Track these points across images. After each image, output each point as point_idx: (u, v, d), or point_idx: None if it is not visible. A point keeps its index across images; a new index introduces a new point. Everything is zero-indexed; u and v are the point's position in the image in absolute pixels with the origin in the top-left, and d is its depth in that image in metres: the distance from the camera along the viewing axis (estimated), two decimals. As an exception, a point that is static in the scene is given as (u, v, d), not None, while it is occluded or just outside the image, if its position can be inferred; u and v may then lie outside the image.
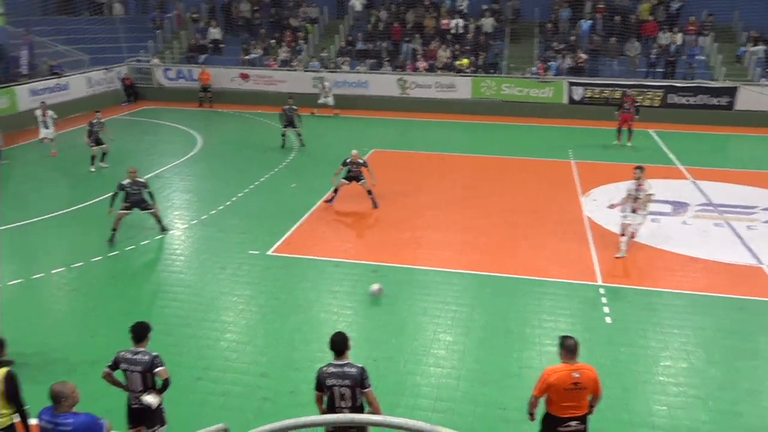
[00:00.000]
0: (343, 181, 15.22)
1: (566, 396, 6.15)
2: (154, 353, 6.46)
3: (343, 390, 6.00)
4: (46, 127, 19.39)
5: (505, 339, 9.61)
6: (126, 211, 12.96)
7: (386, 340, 9.54)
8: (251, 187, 16.59)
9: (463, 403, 8.15)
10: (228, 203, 15.32)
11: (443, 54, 27.59)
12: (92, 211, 14.90)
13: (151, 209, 13.28)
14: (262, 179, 17.26)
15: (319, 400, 6.26)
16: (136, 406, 6.48)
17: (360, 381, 6.02)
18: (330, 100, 25.67)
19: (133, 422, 6.58)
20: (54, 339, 9.61)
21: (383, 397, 6.80)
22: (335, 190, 15.27)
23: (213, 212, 14.80)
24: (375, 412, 6.09)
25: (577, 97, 25.56)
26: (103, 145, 18.16)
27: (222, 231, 13.76)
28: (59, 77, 25.25)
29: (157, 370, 6.39)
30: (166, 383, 6.46)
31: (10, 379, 6.06)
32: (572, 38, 27.49)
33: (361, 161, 15.21)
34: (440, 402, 8.16)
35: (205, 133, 22.51)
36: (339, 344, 6.18)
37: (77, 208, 15.03)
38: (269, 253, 12.61)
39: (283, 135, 20.65)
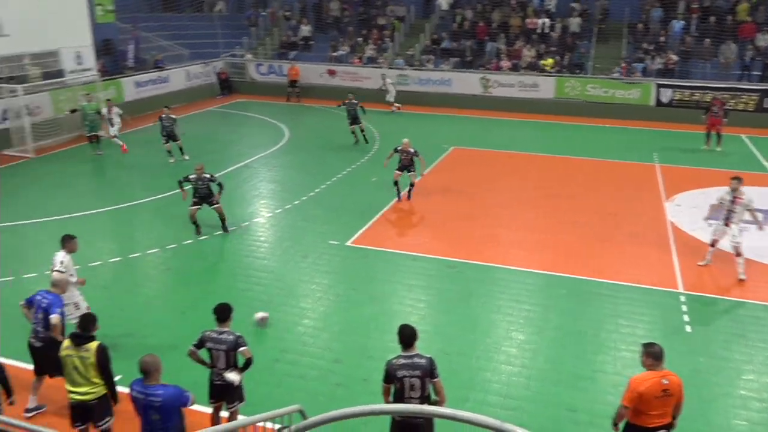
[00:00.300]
0: (396, 171, 15.36)
1: (655, 404, 5.98)
2: (238, 333, 6.84)
3: (413, 380, 6.13)
4: (112, 125, 19.32)
5: (578, 341, 9.53)
6: (196, 207, 13.21)
7: (459, 336, 9.67)
8: (334, 179, 17.06)
9: (532, 402, 8.18)
10: (311, 194, 15.84)
11: (528, 53, 27.26)
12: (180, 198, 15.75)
13: (216, 204, 13.29)
14: (344, 172, 17.72)
15: (386, 393, 6.34)
16: (218, 382, 6.87)
17: (430, 371, 6.16)
18: (391, 97, 25.84)
19: (215, 397, 6.99)
20: (146, 314, 10.31)
21: (453, 390, 6.95)
22: (396, 183, 15.36)
23: (297, 202, 15.35)
24: (441, 401, 6.25)
25: (665, 99, 24.64)
26: (177, 141, 18.51)
27: (305, 221, 14.28)
28: (161, 70, 26.75)
29: (241, 349, 6.77)
30: (248, 362, 6.84)
31: (102, 352, 6.53)
32: (662, 39, 26.48)
33: (411, 150, 15.23)
34: (509, 399, 8.22)
35: (293, 126, 23.27)
36: (409, 336, 6.29)
37: (171, 194, 15.93)
38: (348, 244, 12.99)
39: (353, 133, 20.81)
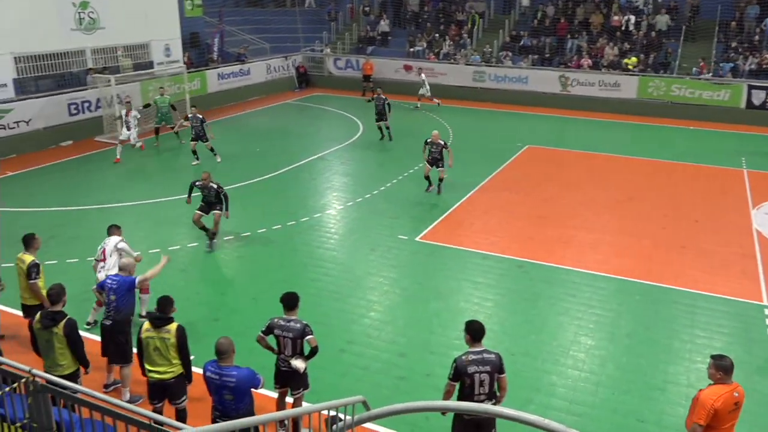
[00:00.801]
0: (426, 166, 15.46)
1: (728, 418, 5.80)
2: (305, 322, 6.99)
3: (483, 376, 6.10)
4: (128, 128, 17.91)
5: (651, 350, 9.21)
6: (201, 213, 12.56)
7: (525, 336, 9.55)
8: (405, 174, 17.12)
9: (600, 409, 7.98)
10: (382, 188, 15.97)
11: (610, 51, 26.42)
12: (261, 186, 16.24)
13: (217, 211, 12.56)
14: (415, 168, 17.73)
15: (451, 392, 6.29)
16: (284, 368, 7.04)
17: (499, 366, 6.15)
18: (426, 91, 25.51)
19: (280, 383, 7.17)
20: (219, 299, 10.71)
21: (517, 391, 6.88)
22: (426, 178, 15.54)
23: (368, 196, 15.51)
24: (501, 397, 6.26)
25: (757, 102, 23.35)
26: (206, 142, 17.73)
27: (374, 214, 14.41)
28: (243, 63, 27.58)
29: (307, 337, 6.91)
30: (314, 350, 6.98)
31: (181, 333, 6.81)
32: (756, 38, 25.04)
33: (441, 142, 15.22)
34: (576, 405, 8.05)
35: (367, 120, 23.46)
36: (478, 331, 6.27)
37: (249, 182, 16.43)
38: (417, 239, 13.02)
39: (380, 128, 20.61)
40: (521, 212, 14.60)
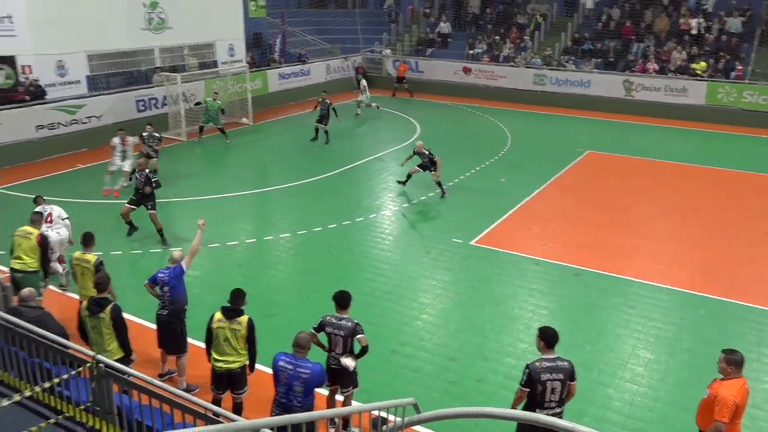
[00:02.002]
0: (416, 167, 15.57)
1: (742, 412, 5.88)
2: (356, 321, 7.02)
3: (555, 384, 6.02)
4: (123, 159, 15.56)
5: (713, 367, 8.81)
6: (131, 206, 12.34)
7: (580, 346, 9.33)
8: (462, 177, 17.01)
9: (657, 425, 7.73)
10: (438, 190, 15.90)
11: (678, 56, 25.55)
12: (317, 185, 16.43)
13: (151, 210, 12.36)
14: (473, 170, 17.62)
15: (521, 398, 6.17)
16: (335, 366, 7.08)
17: (571, 373, 6.07)
18: (366, 98, 24.77)
19: (331, 381, 7.20)
20: (275, 295, 10.87)
21: (571, 403, 6.71)
22: (409, 176, 15.67)
23: (423, 198, 15.48)
24: (566, 402, 6.16)
25: (840, 111, 22.13)
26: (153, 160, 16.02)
27: (430, 216, 14.38)
28: (304, 64, 27.99)
29: (358, 336, 6.95)
30: (364, 349, 7.01)
31: (252, 325, 6.99)
32: None
33: (425, 151, 15.34)
34: (632, 420, 7.82)
35: (424, 122, 23.45)
36: (553, 338, 6.17)
37: (304, 181, 16.65)
38: (472, 243, 12.91)
39: (316, 130, 20.42)
40: (580, 219, 14.29)
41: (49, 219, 10.62)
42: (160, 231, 12.54)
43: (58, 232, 10.51)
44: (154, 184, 12.27)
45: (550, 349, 6.17)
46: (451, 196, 15.61)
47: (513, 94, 27.01)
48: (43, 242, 9.09)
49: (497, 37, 29.93)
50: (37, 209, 10.42)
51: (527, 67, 27.40)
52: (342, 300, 7.12)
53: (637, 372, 8.78)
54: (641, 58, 26.48)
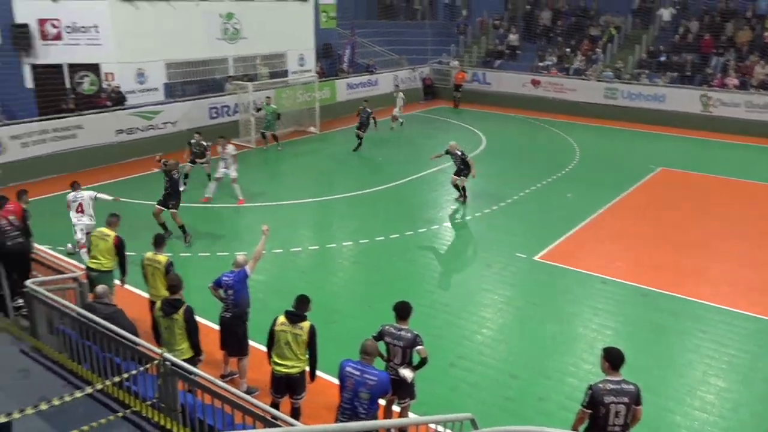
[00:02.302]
0: (453, 176, 15.61)
1: None
2: (416, 332, 6.99)
3: (619, 407, 5.80)
4: (226, 167, 15.50)
5: (792, 399, 8.36)
6: (161, 207, 12.92)
7: (647, 370, 8.97)
8: (527, 191, 16.75)
9: (727, 457, 7.37)
10: (503, 204, 15.72)
11: (760, 70, 24.40)
12: (380, 195, 16.53)
13: (173, 209, 12.94)
14: (539, 184, 17.32)
15: (582, 419, 6.00)
16: (392, 377, 7.00)
17: (636, 397, 5.85)
18: (399, 111, 24.03)
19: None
20: (336, 302, 10.95)
21: (636, 428, 6.48)
22: (456, 187, 15.72)
23: (487, 211, 15.32)
24: (630, 427, 5.94)
25: None
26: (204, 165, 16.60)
27: (493, 230, 14.21)
28: (372, 74, 28.29)
29: (417, 348, 6.91)
30: (423, 361, 6.96)
31: (314, 332, 7.06)
32: None
33: (458, 152, 15.37)
34: (700, 449, 7.49)
35: (491, 134, 23.25)
36: (619, 359, 5.96)
37: (367, 191, 16.78)
38: (535, 258, 12.68)
39: (358, 137, 20.54)
40: (650, 238, 13.81)
41: (79, 209, 11.72)
42: (182, 227, 13.08)
43: (89, 218, 11.74)
44: (169, 185, 12.85)
45: (615, 371, 5.97)
46: (515, 210, 15.40)
47: (583, 108, 26.46)
48: (120, 244, 9.43)
49: (568, 50, 29.42)
50: (70, 196, 11.76)
51: (598, 80, 26.78)
52: (402, 311, 7.10)
53: (708, 400, 8.39)
54: (720, 72, 25.46)
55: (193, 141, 16.67)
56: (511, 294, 11.37)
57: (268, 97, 21.35)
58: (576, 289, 11.51)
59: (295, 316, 7.04)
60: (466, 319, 10.35)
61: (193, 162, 16.60)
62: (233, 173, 15.44)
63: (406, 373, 6.92)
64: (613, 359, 5.96)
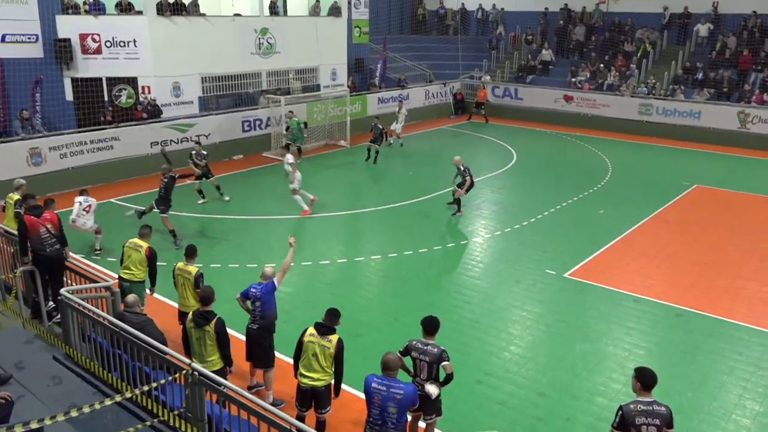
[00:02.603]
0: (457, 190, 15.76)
1: None
2: (442, 347, 6.93)
3: (650, 429, 5.68)
4: (292, 181, 15.78)
5: (833, 426, 8.07)
6: (153, 208, 13.82)
7: (680, 392, 8.77)
8: (558, 206, 16.58)
9: (763, 484, 7.14)
10: (533, 219, 15.58)
11: (803, 87, 23.87)
12: (410, 209, 16.52)
13: (163, 214, 13.57)
14: (570, 200, 17.14)
15: None
16: (419, 392, 7.02)
17: (669, 420, 5.72)
18: (399, 127, 23.29)
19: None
20: (363, 315, 10.95)
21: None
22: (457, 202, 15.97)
23: (517, 226, 15.19)
24: None
25: None
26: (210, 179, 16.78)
27: (523, 245, 14.07)
28: (403, 89, 28.42)
29: (443, 363, 6.85)
30: (449, 377, 6.89)
31: (341, 346, 7.05)
32: None
33: (461, 167, 15.60)
34: (734, 475, 7.26)
35: (522, 149, 23.12)
36: (652, 380, 5.85)
37: (397, 205, 16.79)
38: (566, 275, 12.51)
39: (368, 150, 20.79)
40: (684, 256, 13.54)
41: (88, 209, 13.09)
42: (171, 232, 13.66)
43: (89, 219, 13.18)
44: (163, 190, 13.60)
45: (646, 392, 5.84)
46: (546, 226, 15.24)
47: (616, 124, 26.17)
48: (152, 255, 9.58)
49: (602, 65, 29.17)
50: (81, 198, 13.11)
51: (632, 96, 26.47)
52: (430, 325, 7.05)
53: (743, 424, 8.15)
54: (759, 89, 24.95)
55: (193, 152, 16.75)
56: (541, 311, 11.23)
57: (290, 111, 21.59)
58: (607, 307, 11.31)
59: (324, 328, 7.06)
60: (494, 336, 10.25)
61: (206, 176, 16.61)
62: (292, 184, 15.72)
63: (432, 388, 6.87)
64: (645, 379, 5.84)
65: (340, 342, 7.03)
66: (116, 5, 20.72)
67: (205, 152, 16.84)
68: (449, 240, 14.31)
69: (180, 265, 9.01)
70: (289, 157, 16.53)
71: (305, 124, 21.41)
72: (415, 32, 34.94)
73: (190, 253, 9.07)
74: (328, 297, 11.40)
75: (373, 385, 6.17)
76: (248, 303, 8.40)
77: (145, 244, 9.61)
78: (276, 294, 8.37)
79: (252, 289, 8.37)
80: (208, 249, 13.07)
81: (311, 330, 7.10)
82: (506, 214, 16.33)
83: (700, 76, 26.56)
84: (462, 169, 15.65)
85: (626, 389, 8.23)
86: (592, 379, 9.06)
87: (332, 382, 7.17)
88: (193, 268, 8.88)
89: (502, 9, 34.11)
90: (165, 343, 6.87)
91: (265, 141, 22.22)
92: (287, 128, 21.60)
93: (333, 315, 7.16)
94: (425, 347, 6.93)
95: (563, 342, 10.15)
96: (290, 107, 21.84)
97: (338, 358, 7.06)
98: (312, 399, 7.21)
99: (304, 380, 7.12)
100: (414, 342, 7.02)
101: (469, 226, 15.52)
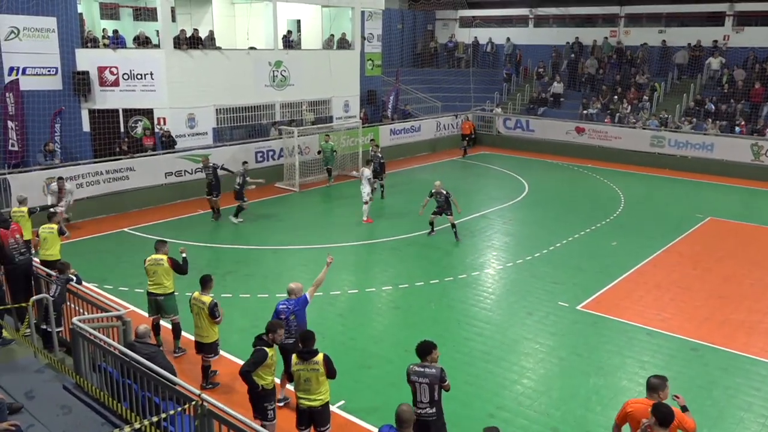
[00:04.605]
0: (432, 215, 16.17)
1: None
2: (440, 366, 7.00)
3: None
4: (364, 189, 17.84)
5: None
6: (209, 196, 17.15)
7: (698, 429, 8.58)
8: (570, 238, 16.51)
9: None
10: (545, 251, 15.51)
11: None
12: (421, 240, 16.51)
13: (216, 197, 17.23)
14: (582, 232, 17.06)
15: None
16: (419, 417, 6.91)
17: None
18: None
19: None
20: (374, 347, 10.89)
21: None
22: (431, 224, 16.46)
23: (528, 258, 15.12)
24: None
25: None
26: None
27: (534, 277, 13.98)
28: (414, 120, 28.65)
29: (444, 384, 6.96)
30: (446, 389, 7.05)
31: (329, 361, 7.23)
32: None
33: (444, 192, 15.86)
34: None
35: (534, 181, 23.13)
36: (669, 417, 5.80)
37: (408, 236, 16.79)
38: (578, 307, 12.40)
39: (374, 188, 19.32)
40: (698, 289, 13.38)
41: (62, 193, 15.83)
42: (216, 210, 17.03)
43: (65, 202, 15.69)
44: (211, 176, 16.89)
45: (663, 428, 5.75)
46: (558, 257, 15.16)
47: (628, 156, 26.18)
48: (174, 263, 10.12)
49: (615, 97, 29.31)
50: (53, 185, 15.82)
51: (644, 128, 26.50)
52: (422, 350, 7.11)
53: (762, 463, 7.96)
54: (770, 121, 24.92)
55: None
56: (553, 344, 11.11)
57: (327, 135, 22.40)
58: (621, 340, 11.17)
59: (306, 354, 7.23)
60: (506, 369, 10.13)
61: (241, 198, 17.61)
62: (364, 196, 17.67)
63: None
64: (662, 416, 5.77)
65: (326, 359, 7.22)
66: (134, 39, 21.19)
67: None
68: (460, 271, 14.25)
69: (195, 294, 9.08)
70: (368, 172, 17.87)
71: (335, 151, 22.34)
72: (427, 65, 35.35)
73: (205, 283, 9.15)
74: (339, 328, 11.36)
75: None
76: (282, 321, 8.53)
77: (164, 257, 10.02)
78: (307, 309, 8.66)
79: (281, 306, 8.62)
80: (219, 279, 13.09)
81: (295, 359, 7.29)
82: (518, 245, 16.27)
83: (709, 108, 26.59)
84: (444, 192, 16.06)
85: (641, 425, 8.08)
86: (607, 414, 8.89)
87: (329, 400, 7.37)
88: (207, 298, 8.94)
89: (510, 42, 34.49)
90: (174, 374, 6.87)
91: (277, 171, 22.39)
92: (319, 152, 22.41)
93: (308, 338, 7.31)
94: (423, 369, 6.99)
95: (577, 376, 10.01)
96: (308, 138, 22.66)
97: (330, 372, 7.24)
98: (310, 419, 7.36)
99: (302, 401, 7.30)
100: (411, 367, 7.10)
101: (481, 257, 15.46)
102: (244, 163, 18.41)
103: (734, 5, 28.93)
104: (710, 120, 25.95)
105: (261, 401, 7.56)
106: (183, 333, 10.47)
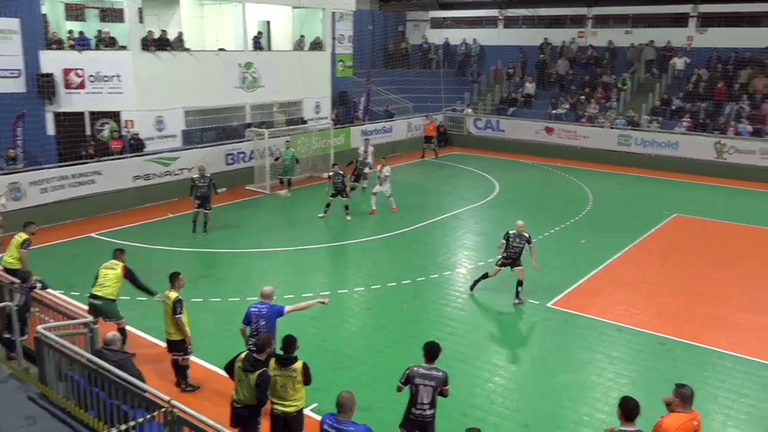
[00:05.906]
0: (496, 267, 12.89)
1: None
2: (444, 370, 7.05)
3: None
4: (380, 184, 18.75)
5: (816, 454, 8.08)
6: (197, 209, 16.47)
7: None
8: (540, 237, 16.65)
9: None
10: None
11: (777, 117, 24.41)
12: (392, 241, 16.55)
13: (208, 210, 16.56)
14: (552, 230, 17.26)
15: None
16: (419, 419, 7.03)
17: None
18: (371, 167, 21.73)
19: (407, 428, 7.14)
20: (346, 348, 10.87)
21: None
22: (486, 276, 13.16)
23: (500, 257, 15.18)
24: None
25: None
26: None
27: (506, 276, 14.01)
28: (386, 121, 28.67)
29: (446, 387, 7.03)
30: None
31: (307, 370, 7.16)
32: None
33: (526, 234, 12.60)
34: (720, 505, 7.21)
35: (504, 180, 23.33)
36: (635, 410, 5.95)
37: (380, 237, 16.81)
38: (549, 305, 12.54)
39: (328, 205, 18.34)
40: (666, 285, 13.63)
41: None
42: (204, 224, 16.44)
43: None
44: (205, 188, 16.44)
45: (630, 422, 5.86)
46: (528, 256, 15.27)
47: (596, 155, 26.56)
48: (128, 272, 9.99)
49: (582, 97, 29.71)
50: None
51: (612, 128, 26.91)
52: (432, 351, 7.12)
53: (728, 454, 8.14)
54: (733, 120, 25.49)
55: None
56: (524, 341, 11.23)
57: (287, 141, 21.73)
58: (590, 336, 11.33)
59: (285, 360, 7.13)
60: (479, 367, 10.20)
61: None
62: (386, 190, 18.77)
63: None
64: (629, 410, 5.88)
65: (305, 368, 7.14)
66: (100, 40, 20.82)
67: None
68: (432, 271, 14.30)
69: (167, 291, 9.03)
70: (387, 170, 18.77)
71: (297, 159, 21.38)
72: (399, 66, 35.41)
73: (172, 280, 9.14)
74: (312, 331, 11.32)
75: (325, 426, 6.05)
76: (248, 329, 8.46)
77: (120, 263, 9.98)
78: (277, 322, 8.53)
79: (253, 309, 8.49)
80: (190, 282, 12.89)
81: (272, 364, 7.15)
82: (490, 245, 16.35)
83: (674, 107, 27.10)
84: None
85: (610, 419, 8.19)
86: (577, 410, 9.02)
87: (303, 407, 7.26)
88: (173, 294, 8.90)
89: (477, 43, 34.74)
90: (143, 381, 6.77)
91: (248, 174, 22.22)
92: (277, 158, 21.67)
93: (290, 343, 7.18)
94: (429, 372, 7.00)
95: (547, 372, 10.12)
96: (280, 140, 22.02)
97: (308, 379, 7.20)
98: (284, 426, 7.23)
99: (276, 407, 7.18)
100: (416, 368, 7.05)
101: (453, 257, 15.54)
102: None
103: (698, 7, 29.57)
104: (678, 117, 26.45)
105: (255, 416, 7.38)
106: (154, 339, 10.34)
